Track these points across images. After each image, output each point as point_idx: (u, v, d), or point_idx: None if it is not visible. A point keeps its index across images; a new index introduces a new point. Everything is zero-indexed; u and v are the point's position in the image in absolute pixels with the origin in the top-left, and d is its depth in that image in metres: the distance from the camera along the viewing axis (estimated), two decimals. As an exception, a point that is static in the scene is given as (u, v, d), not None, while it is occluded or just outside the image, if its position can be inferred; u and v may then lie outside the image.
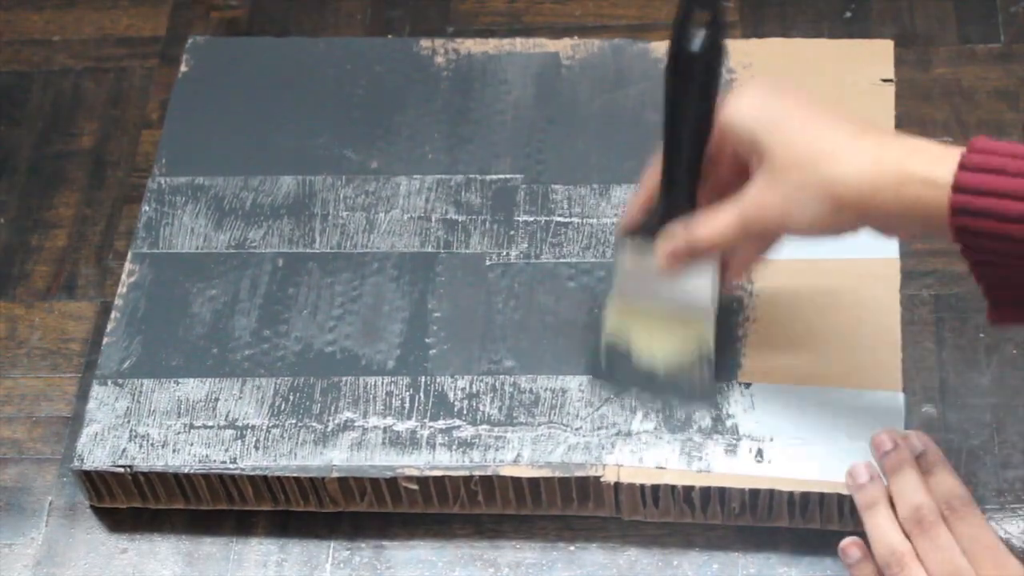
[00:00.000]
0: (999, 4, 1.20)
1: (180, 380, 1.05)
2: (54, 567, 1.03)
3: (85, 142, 1.21)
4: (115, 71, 1.24)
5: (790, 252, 1.06)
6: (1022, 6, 1.20)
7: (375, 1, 1.26)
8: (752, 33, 1.20)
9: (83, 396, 1.07)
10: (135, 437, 1.03)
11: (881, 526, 0.93)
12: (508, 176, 1.12)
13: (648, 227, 0.97)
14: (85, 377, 1.09)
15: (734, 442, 0.99)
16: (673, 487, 0.98)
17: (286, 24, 1.25)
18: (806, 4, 1.22)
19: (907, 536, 0.92)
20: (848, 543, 0.94)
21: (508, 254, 1.08)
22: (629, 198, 1.02)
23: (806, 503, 0.98)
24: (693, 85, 0.94)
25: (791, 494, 0.98)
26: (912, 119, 1.15)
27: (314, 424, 1.02)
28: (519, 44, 1.18)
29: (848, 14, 1.21)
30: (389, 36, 1.23)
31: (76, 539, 1.04)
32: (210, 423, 1.03)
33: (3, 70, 1.25)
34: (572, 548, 1.01)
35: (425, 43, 1.18)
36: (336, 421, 1.02)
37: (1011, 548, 0.93)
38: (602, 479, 0.99)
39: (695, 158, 0.95)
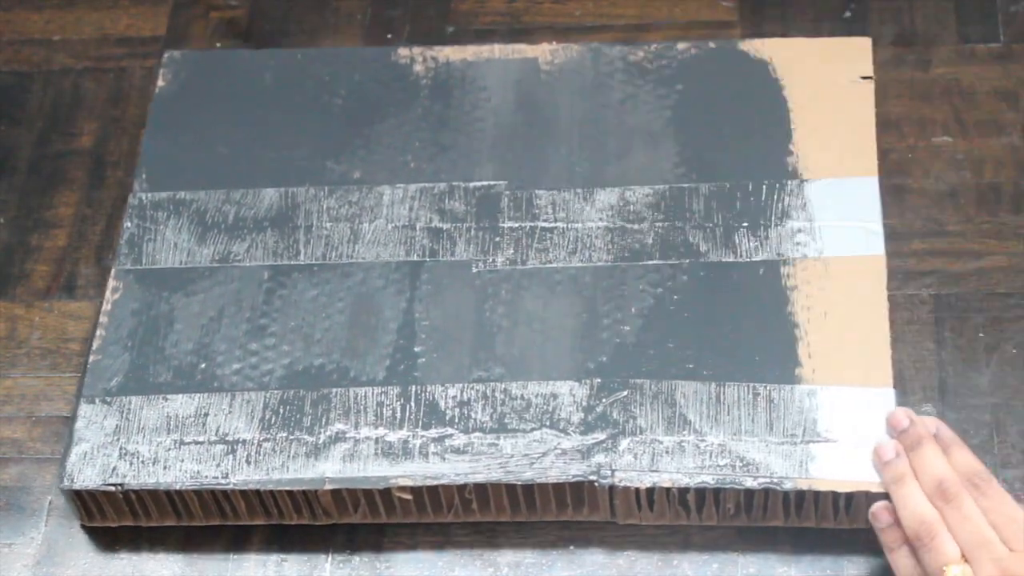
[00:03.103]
0: (999, 4, 1.20)
1: (169, 396, 1.04)
2: (54, 567, 1.03)
3: (85, 142, 1.21)
4: (115, 71, 1.24)
5: (776, 253, 1.06)
6: (1022, 6, 1.20)
7: (375, 1, 1.25)
8: (752, 33, 1.20)
9: (74, 422, 1.06)
10: (125, 455, 1.02)
11: (909, 498, 0.94)
12: (491, 183, 1.11)
13: None
14: (85, 377, 1.08)
15: (725, 442, 0.99)
16: (668, 489, 0.98)
17: (286, 24, 1.25)
18: (806, 4, 1.22)
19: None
20: (879, 507, 0.95)
21: (494, 260, 1.08)
22: None
23: (801, 502, 0.98)
24: None
25: (786, 493, 0.98)
26: (912, 119, 1.15)
27: (305, 437, 1.02)
28: (497, 51, 1.17)
29: (848, 14, 1.21)
30: (389, 36, 1.23)
31: (76, 539, 1.04)
32: (200, 439, 1.02)
33: (3, 70, 1.25)
34: (572, 548, 1.01)
35: (403, 51, 1.18)
36: (327, 433, 1.02)
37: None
38: (596, 483, 0.99)
39: None
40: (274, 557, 1.01)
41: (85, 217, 1.17)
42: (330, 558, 1.01)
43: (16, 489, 1.06)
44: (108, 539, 1.03)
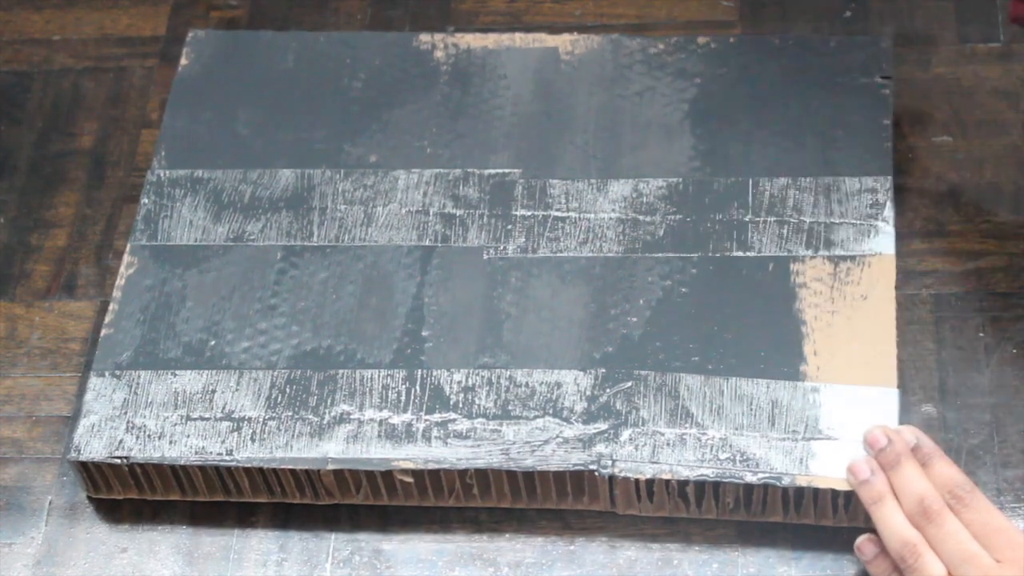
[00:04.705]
0: (999, 4, 1.20)
1: (177, 372, 1.05)
2: (54, 567, 1.03)
3: (85, 142, 1.21)
4: (115, 71, 1.24)
5: (786, 249, 1.06)
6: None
7: (375, 1, 1.26)
8: (752, 33, 1.20)
9: (83, 395, 1.07)
10: (132, 428, 1.03)
11: (890, 519, 0.93)
12: (506, 170, 1.12)
13: None
14: (85, 376, 1.09)
15: (727, 436, 0.99)
16: (667, 481, 0.98)
17: (286, 24, 1.25)
18: (806, 4, 1.22)
19: (916, 527, 0.93)
20: (863, 540, 0.95)
21: (505, 248, 1.08)
22: None
23: (800, 498, 0.98)
24: None
25: (785, 489, 0.98)
26: (912, 119, 1.15)
27: (310, 417, 1.02)
28: (518, 39, 1.18)
29: (848, 14, 1.21)
30: (389, 34, 1.24)
31: (76, 538, 1.04)
32: (207, 415, 1.03)
33: (3, 70, 1.26)
34: (572, 547, 1.01)
35: (424, 37, 1.18)
36: (332, 414, 1.02)
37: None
38: (597, 473, 0.99)
39: None
40: (274, 557, 1.02)
41: (85, 217, 1.17)
42: (330, 557, 1.01)
43: (16, 489, 1.06)
44: (108, 538, 1.04)
